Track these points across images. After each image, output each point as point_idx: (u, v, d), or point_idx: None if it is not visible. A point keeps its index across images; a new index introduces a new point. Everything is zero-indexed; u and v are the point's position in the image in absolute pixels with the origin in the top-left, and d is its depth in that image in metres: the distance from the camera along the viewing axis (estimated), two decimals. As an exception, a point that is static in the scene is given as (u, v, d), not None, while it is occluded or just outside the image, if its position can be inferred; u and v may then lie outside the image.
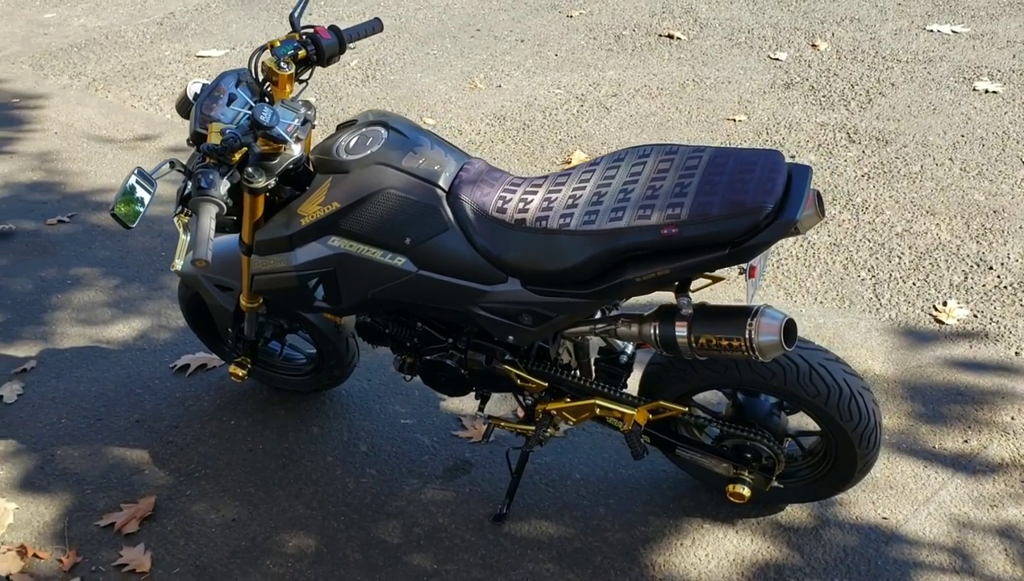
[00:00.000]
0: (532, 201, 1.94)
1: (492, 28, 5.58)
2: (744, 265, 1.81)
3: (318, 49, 2.17)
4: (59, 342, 3.12)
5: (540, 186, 1.98)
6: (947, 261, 3.19)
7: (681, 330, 1.86)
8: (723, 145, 4.07)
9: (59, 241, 3.70)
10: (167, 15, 6.21)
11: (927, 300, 3.03)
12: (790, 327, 1.80)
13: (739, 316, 1.82)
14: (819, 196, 1.78)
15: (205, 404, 2.84)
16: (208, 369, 2.97)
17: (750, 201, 1.70)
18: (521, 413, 2.70)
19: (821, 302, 3.08)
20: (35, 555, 2.36)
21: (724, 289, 3.14)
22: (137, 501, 2.50)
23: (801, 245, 3.36)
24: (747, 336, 1.79)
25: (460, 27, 5.63)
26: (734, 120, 4.28)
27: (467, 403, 2.76)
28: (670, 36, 5.24)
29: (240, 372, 2.56)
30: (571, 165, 4.00)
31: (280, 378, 2.82)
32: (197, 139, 2.07)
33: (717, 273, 1.90)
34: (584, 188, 1.91)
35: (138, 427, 2.76)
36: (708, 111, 4.39)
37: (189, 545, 2.38)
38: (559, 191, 1.94)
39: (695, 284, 1.92)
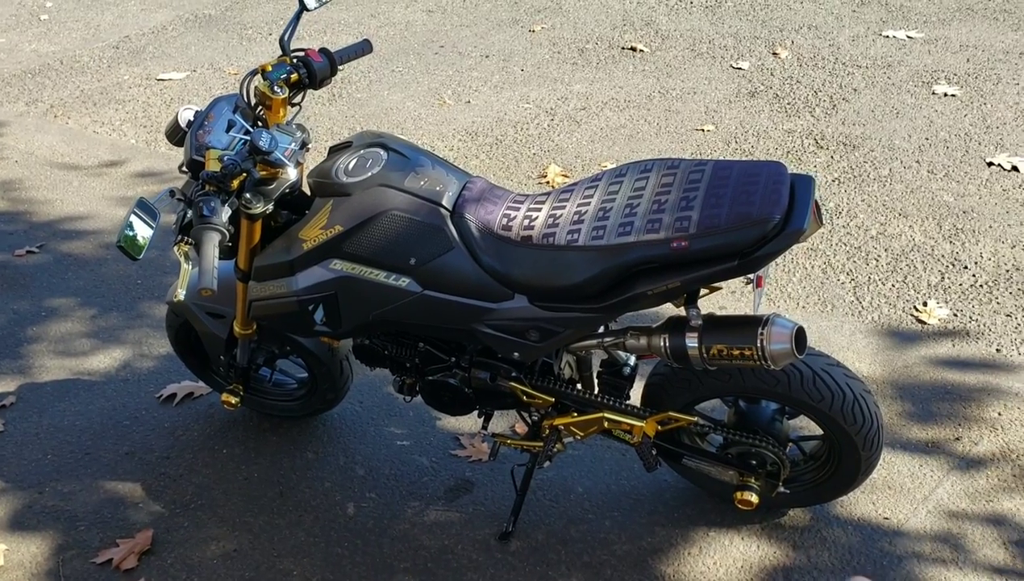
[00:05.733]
0: (537, 217, 1.95)
1: (455, 44, 5.59)
2: (751, 275, 1.83)
3: (310, 72, 2.16)
4: (38, 376, 3.05)
5: (544, 203, 1.99)
6: (923, 262, 3.27)
7: (692, 341, 1.88)
8: (694, 156, 4.13)
9: (30, 272, 3.62)
10: (123, 38, 6.12)
11: (907, 301, 3.09)
12: (800, 335, 1.83)
13: (749, 325, 1.84)
14: (817, 205, 1.82)
15: (195, 433, 2.78)
16: (195, 398, 2.92)
17: (756, 212, 1.73)
18: (520, 429, 2.70)
19: (804, 307, 3.13)
20: (31, 597, 2.30)
21: (721, 298, 3.18)
22: (134, 536, 2.44)
23: (780, 251, 3.41)
24: (759, 345, 1.81)
25: (423, 44, 5.63)
26: (703, 130, 4.34)
27: (463, 422, 2.75)
28: (633, 49, 5.30)
29: (232, 400, 2.53)
30: (547, 179, 4.02)
31: (271, 404, 2.78)
32: (193, 167, 2.04)
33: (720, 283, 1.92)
34: (589, 203, 1.92)
35: (128, 459, 2.70)
36: (676, 122, 4.44)
37: (192, 578, 2.33)
38: (563, 207, 1.95)
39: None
